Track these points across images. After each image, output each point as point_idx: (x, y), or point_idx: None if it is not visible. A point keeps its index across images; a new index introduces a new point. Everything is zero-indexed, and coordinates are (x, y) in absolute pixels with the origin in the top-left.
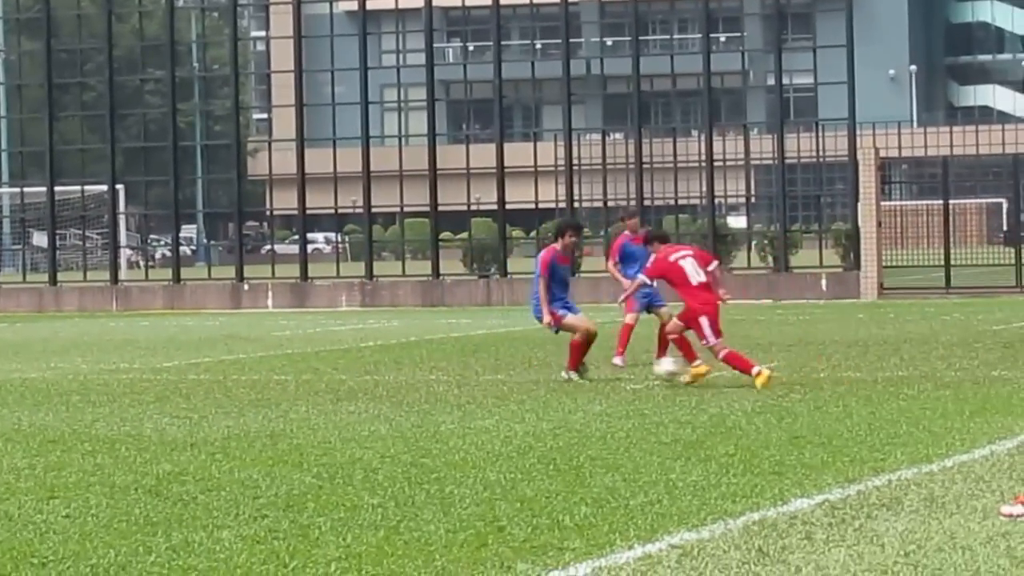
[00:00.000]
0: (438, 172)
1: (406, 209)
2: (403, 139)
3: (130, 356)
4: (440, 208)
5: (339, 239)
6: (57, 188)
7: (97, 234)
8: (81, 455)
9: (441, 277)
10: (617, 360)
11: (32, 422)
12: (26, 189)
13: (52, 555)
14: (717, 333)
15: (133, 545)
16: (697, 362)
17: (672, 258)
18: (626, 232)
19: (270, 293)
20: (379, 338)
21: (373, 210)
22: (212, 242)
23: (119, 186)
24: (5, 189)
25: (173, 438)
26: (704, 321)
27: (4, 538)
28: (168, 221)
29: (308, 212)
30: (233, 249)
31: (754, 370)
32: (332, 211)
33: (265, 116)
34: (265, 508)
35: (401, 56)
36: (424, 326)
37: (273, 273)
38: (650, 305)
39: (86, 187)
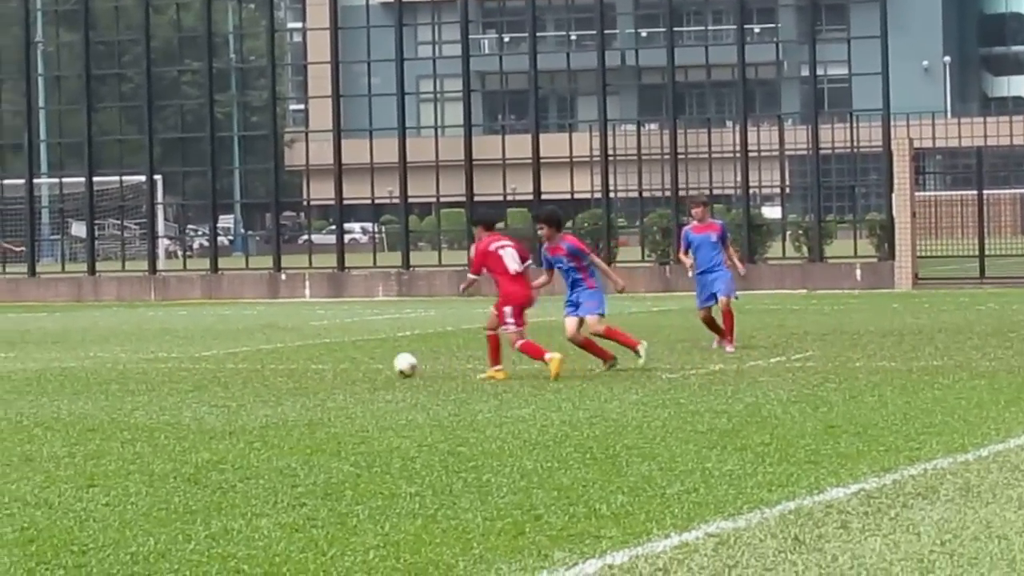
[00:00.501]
0: (474, 163)
1: (442, 199)
2: (439, 130)
3: (168, 345)
4: (476, 198)
5: (376, 229)
6: (95, 179)
7: (135, 224)
8: (120, 443)
9: None
10: (717, 344)
11: (71, 411)
12: (65, 180)
13: (92, 543)
14: (520, 328)
15: (172, 533)
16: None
17: (492, 247)
18: (694, 222)
19: (307, 283)
20: (416, 327)
21: (409, 200)
22: (249, 232)
23: (157, 176)
24: (44, 180)
25: (211, 427)
26: (508, 309)
27: (44, 526)
28: (206, 211)
29: (345, 202)
30: (270, 239)
31: (547, 356)
32: (369, 201)
33: (302, 107)
34: (303, 496)
35: (437, 47)
36: (460, 315)
37: (310, 263)
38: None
39: (124, 177)
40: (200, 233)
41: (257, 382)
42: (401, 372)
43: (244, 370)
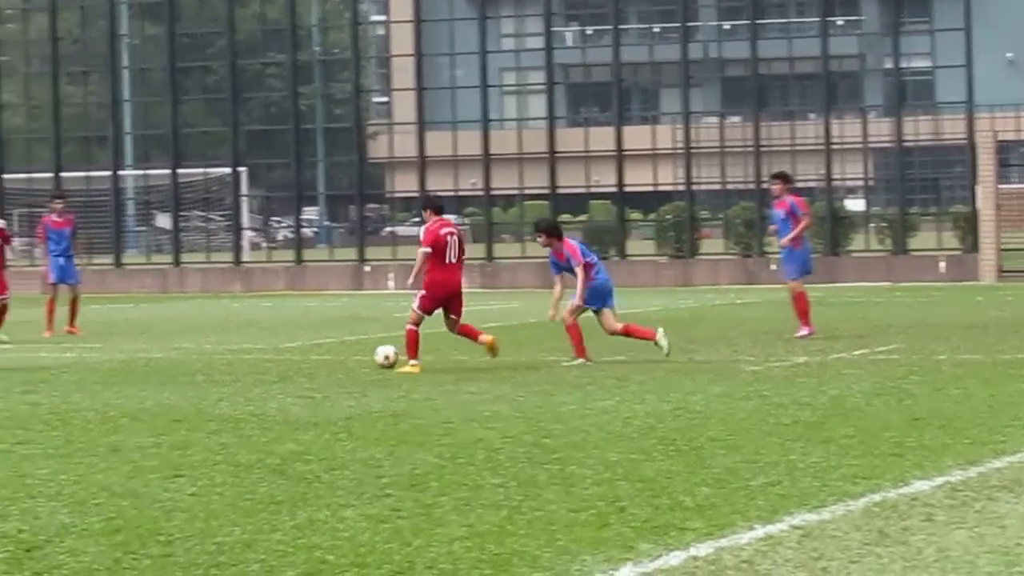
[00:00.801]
0: (557, 155)
1: (525, 191)
2: (522, 122)
3: (253, 337)
4: (559, 191)
5: (459, 221)
6: (180, 170)
7: (220, 216)
8: (206, 434)
9: None
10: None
11: (157, 401)
12: (150, 172)
13: (178, 532)
14: (425, 309)
15: (258, 523)
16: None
17: (443, 231)
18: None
19: (391, 274)
20: (500, 319)
21: (493, 192)
22: (333, 224)
23: (241, 168)
24: (129, 172)
25: (296, 418)
26: (423, 294)
27: (131, 516)
28: (290, 203)
29: (428, 194)
30: (354, 231)
31: (412, 362)
32: (452, 193)
33: (385, 99)
34: (388, 487)
35: (520, 40)
36: (543, 307)
37: (394, 254)
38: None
39: (209, 169)
40: (284, 225)
41: (341, 373)
42: (384, 362)
43: (329, 361)
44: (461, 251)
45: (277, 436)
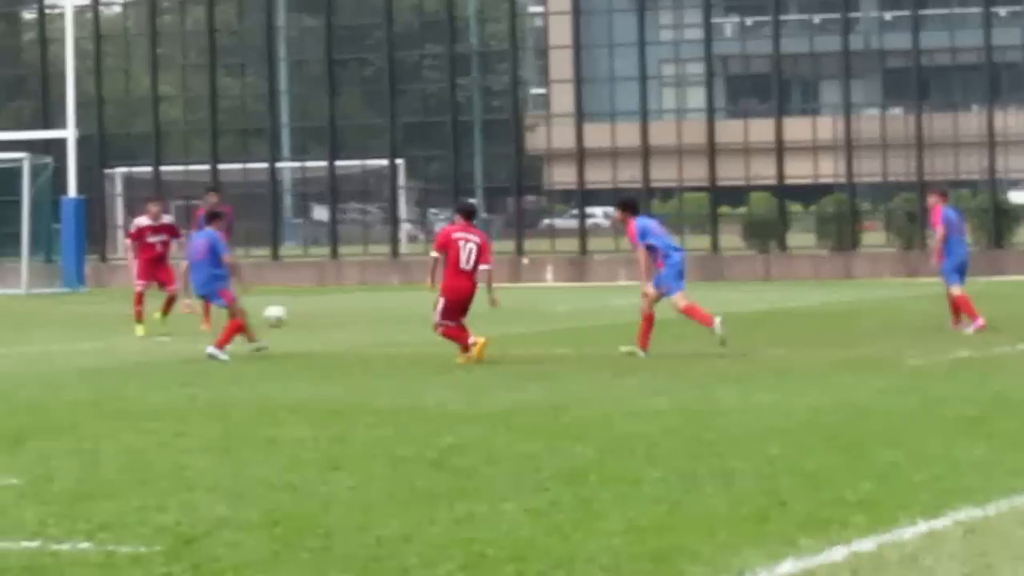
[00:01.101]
0: (716, 147)
1: (684, 184)
2: (681, 114)
3: (411, 329)
4: (718, 183)
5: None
6: (337, 163)
7: (377, 208)
8: (364, 427)
9: (719, 252)
10: (967, 328)
11: (316, 394)
12: (307, 164)
13: (336, 525)
14: (447, 316)
15: (416, 516)
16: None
17: (455, 236)
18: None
19: (549, 267)
20: (659, 312)
21: (652, 185)
22: (491, 216)
23: (399, 160)
24: (286, 164)
25: (455, 411)
26: (442, 301)
27: (289, 508)
28: (447, 195)
29: (586, 187)
30: (512, 223)
31: (469, 340)
32: (610, 186)
33: (543, 91)
34: (547, 481)
35: (679, 31)
36: (702, 300)
37: (552, 247)
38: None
39: (366, 161)
40: (442, 217)
41: (500, 366)
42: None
43: (487, 354)
44: (479, 260)
45: (435, 429)
